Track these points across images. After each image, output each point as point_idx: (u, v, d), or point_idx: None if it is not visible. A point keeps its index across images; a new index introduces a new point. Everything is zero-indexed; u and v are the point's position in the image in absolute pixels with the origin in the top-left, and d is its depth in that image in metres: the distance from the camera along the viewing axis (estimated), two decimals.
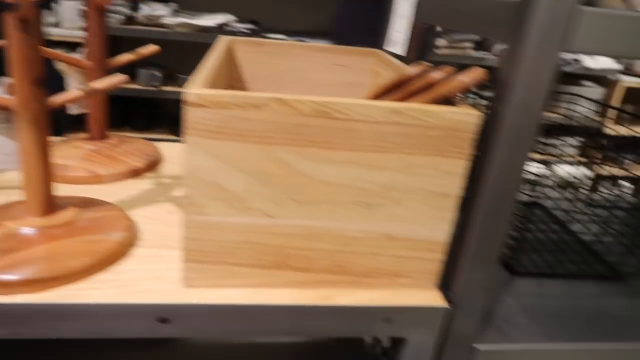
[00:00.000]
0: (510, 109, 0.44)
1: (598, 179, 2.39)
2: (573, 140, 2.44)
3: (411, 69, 0.50)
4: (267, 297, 0.49)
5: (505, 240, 0.52)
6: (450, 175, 0.48)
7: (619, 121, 2.33)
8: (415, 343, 0.52)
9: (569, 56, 2.29)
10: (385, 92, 0.53)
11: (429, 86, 0.48)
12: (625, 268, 0.73)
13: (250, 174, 0.46)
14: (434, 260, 0.52)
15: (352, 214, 0.49)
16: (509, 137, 0.45)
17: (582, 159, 2.47)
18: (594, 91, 2.54)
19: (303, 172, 0.46)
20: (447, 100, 0.48)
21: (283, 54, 0.79)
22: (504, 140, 0.45)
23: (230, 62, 0.78)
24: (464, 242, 0.50)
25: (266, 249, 0.49)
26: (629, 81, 2.39)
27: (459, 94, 0.48)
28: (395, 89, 0.52)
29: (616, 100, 2.44)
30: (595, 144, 2.31)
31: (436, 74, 0.48)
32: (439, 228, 0.50)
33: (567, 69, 2.33)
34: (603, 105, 2.53)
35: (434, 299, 0.52)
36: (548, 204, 0.93)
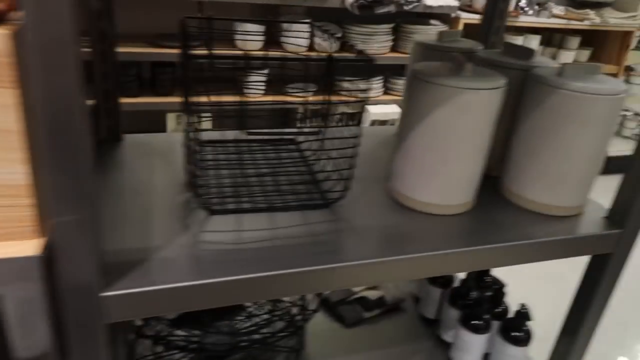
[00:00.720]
0: (32, 24, 0.39)
1: None
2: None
3: None
4: None
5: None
6: None
7: None
8: (14, 298, 0.47)
9: None
10: None
11: None
12: (333, 195, 0.73)
13: None
14: (21, 207, 0.47)
15: None
16: (41, 56, 0.40)
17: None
18: (442, 29, 2.59)
19: None
20: None
21: None
22: (36, 59, 0.40)
23: None
24: (43, 182, 0.45)
25: None
26: (466, 17, 2.46)
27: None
28: None
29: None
30: None
31: None
32: (12, 170, 0.45)
33: (408, 8, 2.35)
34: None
35: (26, 248, 0.47)
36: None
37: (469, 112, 0.66)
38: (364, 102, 0.64)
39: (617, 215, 0.75)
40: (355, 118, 0.66)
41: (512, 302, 0.95)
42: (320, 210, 0.72)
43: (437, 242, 0.67)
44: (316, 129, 0.76)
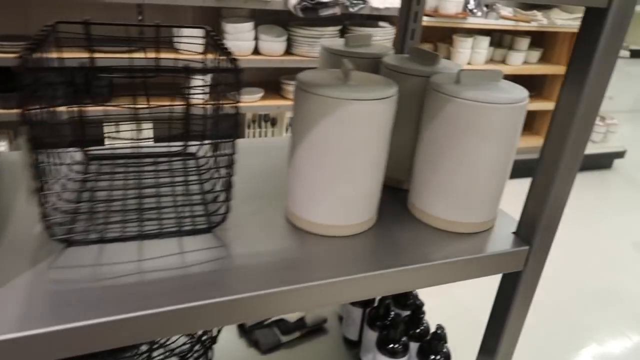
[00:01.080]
0: None
1: None
2: None
3: None
4: None
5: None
6: None
7: None
8: None
9: None
10: None
11: None
12: (216, 219, 0.66)
13: None
14: None
15: None
16: None
17: None
18: (389, 31, 2.56)
19: None
20: None
21: None
22: None
23: None
24: None
25: None
26: None
27: None
28: None
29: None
30: None
31: None
32: None
33: (353, 10, 2.30)
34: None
35: None
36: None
37: (355, 124, 0.59)
38: (236, 114, 0.57)
39: (525, 230, 0.70)
40: (229, 131, 0.59)
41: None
42: (203, 236, 0.65)
43: (331, 268, 0.60)
44: (182, 144, 0.69)
